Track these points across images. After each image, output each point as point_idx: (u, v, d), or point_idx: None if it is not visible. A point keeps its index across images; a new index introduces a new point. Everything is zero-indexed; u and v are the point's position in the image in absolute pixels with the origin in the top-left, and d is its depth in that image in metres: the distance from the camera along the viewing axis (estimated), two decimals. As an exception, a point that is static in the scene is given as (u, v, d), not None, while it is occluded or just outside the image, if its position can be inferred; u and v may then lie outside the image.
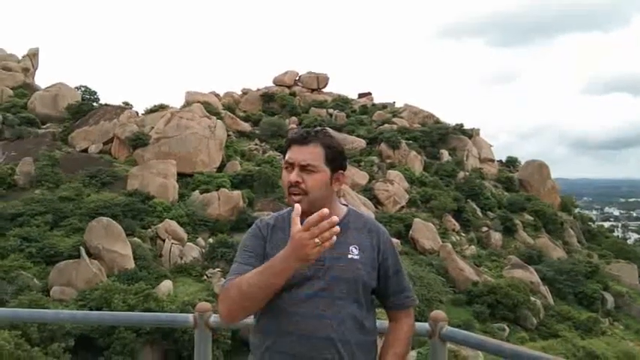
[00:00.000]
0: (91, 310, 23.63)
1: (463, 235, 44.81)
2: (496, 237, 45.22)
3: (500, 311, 33.17)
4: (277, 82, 67.01)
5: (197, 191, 38.48)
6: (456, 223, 45.18)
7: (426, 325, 2.26)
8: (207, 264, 32.44)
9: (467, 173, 52.67)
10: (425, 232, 40.73)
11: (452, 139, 57.14)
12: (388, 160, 51.62)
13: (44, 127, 46.17)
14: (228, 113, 54.24)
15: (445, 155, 54.26)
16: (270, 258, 1.77)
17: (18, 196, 33.84)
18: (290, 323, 1.74)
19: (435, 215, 44.52)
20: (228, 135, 47.37)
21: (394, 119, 59.77)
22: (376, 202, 44.53)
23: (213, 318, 2.55)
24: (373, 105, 66.08)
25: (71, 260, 27.49)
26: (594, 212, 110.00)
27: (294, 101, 62.93)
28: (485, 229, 46.15)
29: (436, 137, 56.25)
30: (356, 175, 46.14)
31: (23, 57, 61.21)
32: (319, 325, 1.72)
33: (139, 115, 48.49)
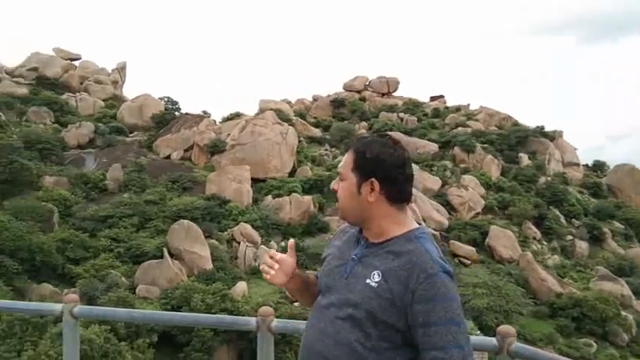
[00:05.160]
0: (173, 308, 25.01)
1: (545, 243, 42.33)
2: (582, 246, 42.26)
3: (586, 326, 30.92)
4: (347, 87, 67.32)
5: (270, 196, 39.53)
6: (537, 231, 42.78)
7: (493, 340, 2.16)
8: (279, 267, 33.18)
9: (549, 178, 49.76)
10: (503, 240, 38.95)
11: (532, 142, 54.26)
12: (462, 165, 50.02)
13: (131, 135, 49.74)
14: (299, 119, 55.27)
15: (524, 159, 51.62)
16: (323, 257, 1.85)
17: (108, 200, 36.64)
18: (306, 328, 1.75)
19: (514, 222, 42.45)
20: (299, 141, 48.26)
21: (468, 122, 57.85)
22: (450, 208, 43.28)
23: (276, 323, 2.60)
24: (446, 108, 64.42)
25: (155, 260, 29.27)
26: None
27: (364, 106, 62.88)
28: (569, 237, 43.29)
29: (514, 140, 53.68)
30: (428, 180, 45.15)
31: (113, 70, 66.36)
32: (318, 339, 1.66)
33: (217, 123, 50.86)
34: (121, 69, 66.31)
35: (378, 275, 1.60)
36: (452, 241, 38.35)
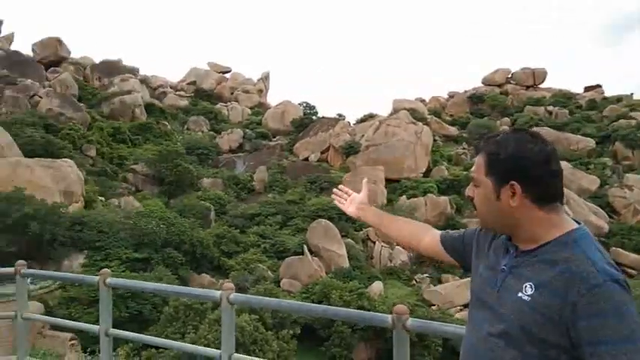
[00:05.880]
0: (313, 302, 26.22)
1: None
2: None
3: None
4: (487, 81, 63.69)
5: (404, 196, 39.20)
6: None
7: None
8: (415, 268, 32.71)
9: None
10: (679, 247, 33.41)
11: None
12: (625, 162, 44.05)
13: (274, 139, 53.41)
14: (434, 118, 53.85)
15: None
16: (473, 263, 1.70)
17: (255, 200, 39.78)
18: (462, 343, 1.64)
19: (694, 227, 36.14)
20: (435, 140, 47.03)
21: (632, 113, 50.68)
22: (610, 210, 38.40)
23: (411, 321, 2.59)
24: (604, 99, 57.27)
25: (296, 256, 30.98)
26: None
27: (506, 101, 58.92)
28: None
29: (695, 131, 45.69)
30: (583, 179, 40.63)
31: (258, 80, 71.93)
32: (473, 355, 1.55)
33: (351, 125, 52.05)
34: (265, 78, 71.51)
35: (531, 288, 1.43)
36: (613, 248, 34.00)
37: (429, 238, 1.92)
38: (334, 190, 2.17)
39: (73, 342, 23.19)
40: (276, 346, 22.15)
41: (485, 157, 1.52)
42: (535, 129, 1.65)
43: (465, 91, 63.51)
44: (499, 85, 62.43)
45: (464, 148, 49.02)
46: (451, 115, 59.01)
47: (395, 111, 53.06)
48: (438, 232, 1.92)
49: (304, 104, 59.26)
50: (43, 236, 27.99)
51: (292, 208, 36.98)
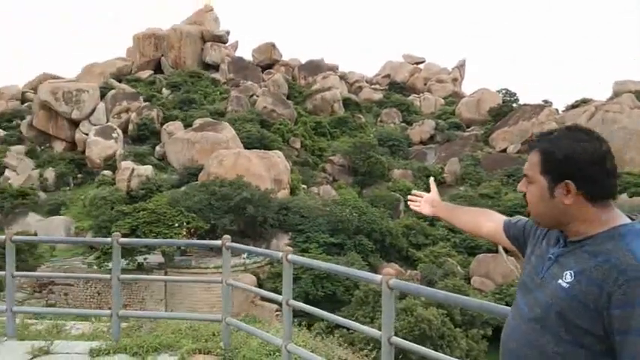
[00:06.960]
0: (507, 304, 24.56)
1: None
2: None
3: None
4: None
5: (624, 194, 33.62)
6: None
7: None
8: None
9: None
10: None
11: None
12: None
13: (468, 130, 51.12)
14: (673, 100, 44.52)
15: None
16: (527, 251, 1.74)
17: (446, 192, 38.85)
18: (504, 326, 1.73)
19: None
20: (672, 127, 38.98)
21: None
22: None
23: None
24: None
25: (490, 254, 29.38)
26: None
27: None
28: None
29: None
30: None
31: (453, 69, 69.63)
32: (512, 337, 1.64)
33: (559, 112, 46.70)
34: (461, 66, 68.87)
35: (571, 275, 1.49)
36: None
37: (491, 225, 2.00)
38: (409, 197, 2.33)
39: (278, 313, 26.32)
40: (465, 345, 21.49)
41: (540, 156, 1.56)
42: (554, 130, 1.59)
43: None
44: None
45: None
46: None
47: (616, 95, 45.66)
48: (503, 219, 1.98)
49: (504, 91, 55.38)
50: (256, 218, 32.32)
51: (486, 203, 35.04)
